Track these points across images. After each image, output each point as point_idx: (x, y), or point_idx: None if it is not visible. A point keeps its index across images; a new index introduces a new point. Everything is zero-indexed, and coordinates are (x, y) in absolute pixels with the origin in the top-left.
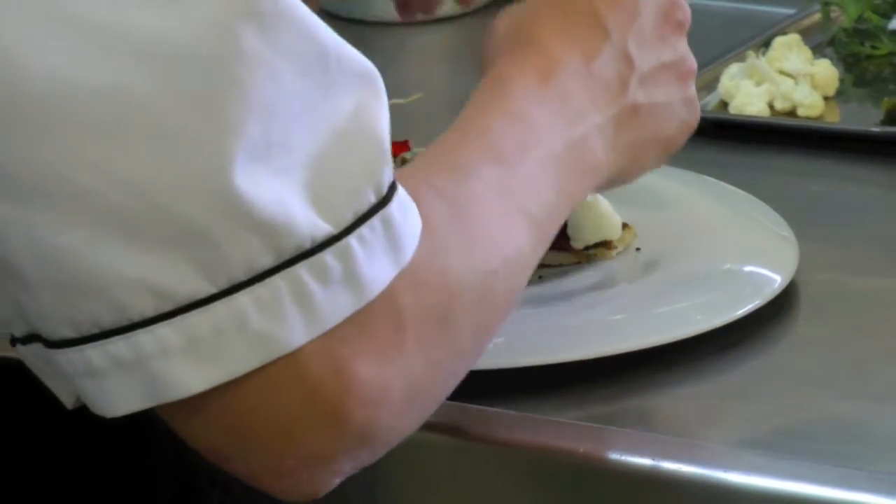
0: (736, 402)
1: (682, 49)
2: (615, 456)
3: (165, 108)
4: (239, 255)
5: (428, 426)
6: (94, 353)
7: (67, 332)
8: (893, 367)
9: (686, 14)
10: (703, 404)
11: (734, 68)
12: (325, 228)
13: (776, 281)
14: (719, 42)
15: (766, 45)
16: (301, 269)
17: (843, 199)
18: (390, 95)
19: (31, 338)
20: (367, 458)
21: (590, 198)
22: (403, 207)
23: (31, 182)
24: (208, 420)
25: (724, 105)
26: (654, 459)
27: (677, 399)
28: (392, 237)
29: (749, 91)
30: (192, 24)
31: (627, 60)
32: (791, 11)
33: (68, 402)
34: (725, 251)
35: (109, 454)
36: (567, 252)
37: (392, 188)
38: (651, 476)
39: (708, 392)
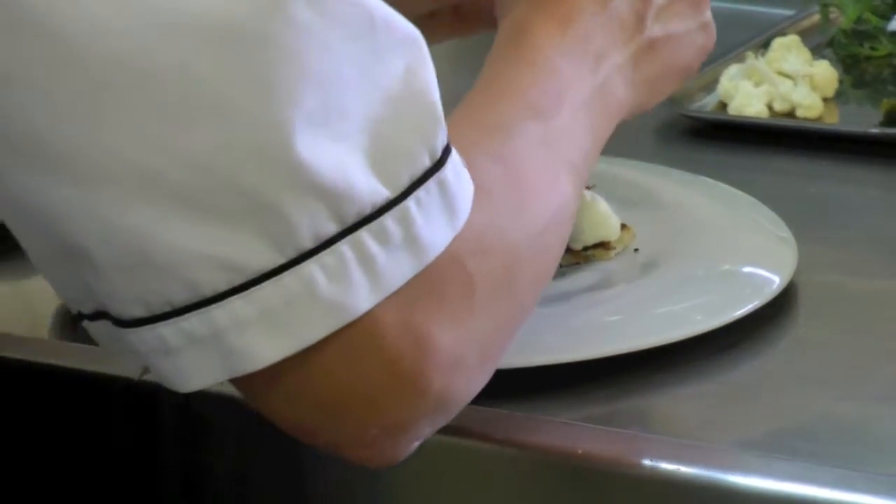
0: (735, 403)
1: None
2: (613, 457)
3: (223, 84)
4: (305, 223)
5: None
6: (167, 331)
7: (139, 312)
8: (893, 368)
9: None
10: (702, 405)
11: (733, 69)
12: (384, 193)
13: (775, 282)
14: (718, 43)
15: (766, 46)
16: (364, 233)
17: (841, 200)
18: None
19: (99, 315)
20: (443, 420)
21: (588, 198)
22: (457, 169)
23: (96, 165)
24: (291, 395)
25: (723, 106)
26: (652, 460)
27: (676, 400)
28: (447, 199)
29: (748, 92)
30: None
31: None
32: (790, 12)
33: (135, 374)
34: (724, 252)
35: (117, 455)
36: (566, 253)
37: (446, 151)
38: (650, 477)
39: (707, 393)
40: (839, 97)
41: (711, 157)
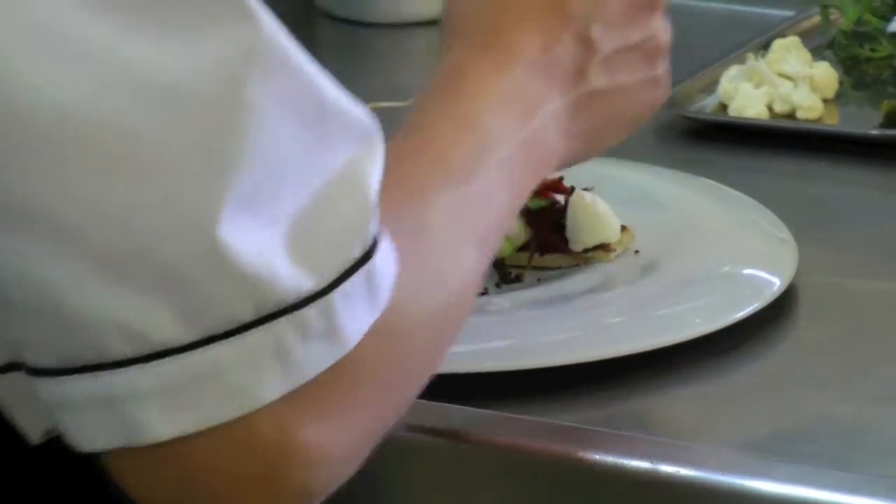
0: (735, 405)
1: (652, 26)
2: (613, 459)
3: (162, 149)
4: (219, 305)
5: (425, 429)
6: (72, 387)
7: (50, 362)
8: (892, 369)
9: None
10: (701, 407)
11: (733, 70)
12: (309, 284)
13: (775, 283)
14: (719, 44)
15: (766, 47)
16: (282, 323)
17: (841, 202)
18: (387, 97)
19: (10, 367)
20: None
21: (588, 200)
22: (385, 256)
23: (24, 213)
24: (155, 470)
25: (723, 107)
26: (652, 462)
27: (676, 401)
28: (373, 287)
29: (748, 93)
30: (199, 65)
31: (588, 46)
32: (790, 14)
33: (34, 437)
34: (724, 253)
35: None
36: (565, 255)
37: (377, 238)
38: (649, 479)
39: (707, 394)
40: (839, 98)
41: (711, 159)
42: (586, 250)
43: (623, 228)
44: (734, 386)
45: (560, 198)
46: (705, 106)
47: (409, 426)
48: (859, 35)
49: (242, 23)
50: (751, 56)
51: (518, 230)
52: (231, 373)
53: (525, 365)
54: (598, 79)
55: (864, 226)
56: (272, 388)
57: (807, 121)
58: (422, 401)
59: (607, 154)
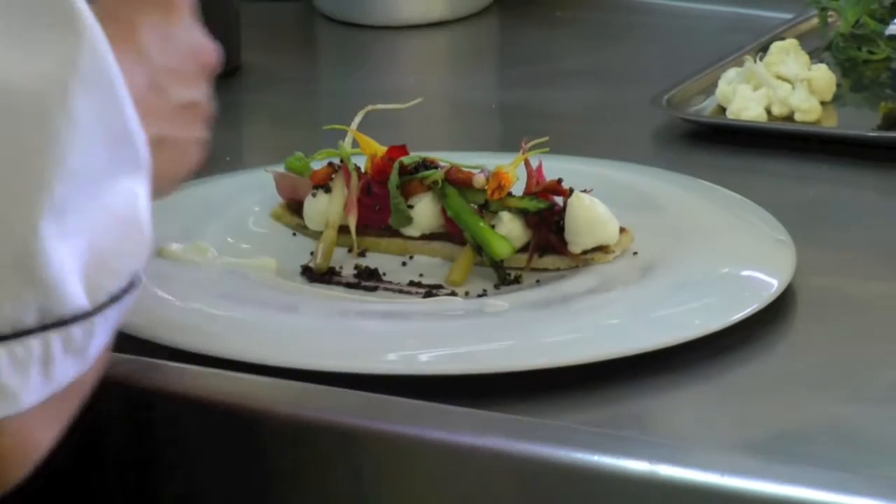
0: (733, 406)
1: (205, 92)
2: (612, 460)
3: None
4: (11, 307)
5: (424, 429)
6: None
7: None
8: (890, 371)
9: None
10: (700, 408)
11: (732, 73)
12: (84, 304)
13: (773, 285)
14: (717, 46)
15: (764, 49)
16: (54, 335)
17: (839, 204)
18: (386, 100)
19: None
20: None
21: (587, 202)
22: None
23: None
24: None
25: (721, 109)
26: (651, 463)
27: (674, 403)
28: (119, 316)
29: (746, 95)
30: (30, 71)
31: (160, 91)
32: (789, 16)
33: None
34: (723, 255)
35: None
36: (564, 256)
37: (140, 276)
38: (648, 480)
39: (705, 396)
40: (837, 101)
41: (710, 161)
42: (585, 252)
43: (622, 230)
44: (732, 387)
45: (559, 200)
46: (703, 108)
47: (408, 426)
48: (857, 37)
49: (73, 36)
50: (749, 58)
51: (517, 232)
52: (3, 374)
53: (525, 365)
54: (165, 127)
55: (862, 227)
56: (32, 395)
57: (805, 123)
58: (421, 401)
59: (606, 156)
